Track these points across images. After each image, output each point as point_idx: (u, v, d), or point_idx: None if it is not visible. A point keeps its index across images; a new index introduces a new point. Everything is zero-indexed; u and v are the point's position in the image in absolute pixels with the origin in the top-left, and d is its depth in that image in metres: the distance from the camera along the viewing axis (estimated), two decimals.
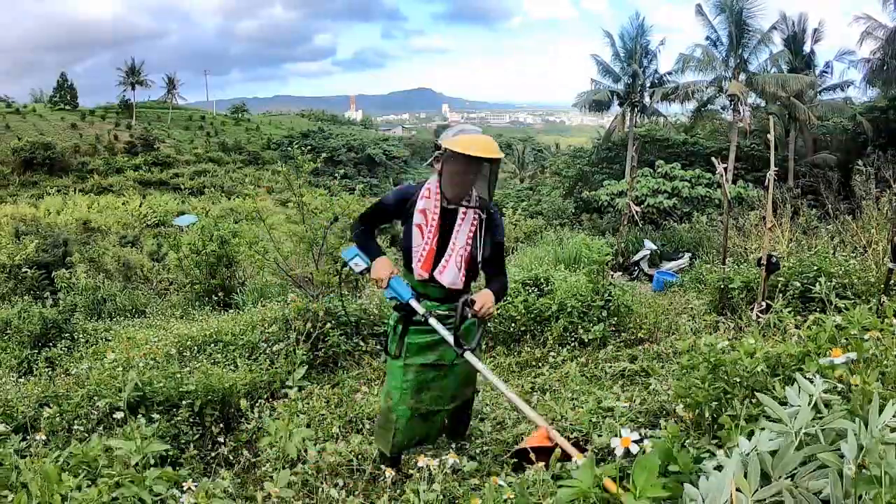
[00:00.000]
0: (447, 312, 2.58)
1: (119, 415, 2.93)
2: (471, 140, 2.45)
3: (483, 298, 2.50)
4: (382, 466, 2.54)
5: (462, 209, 2.60)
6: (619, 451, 1.17)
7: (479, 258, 2.60)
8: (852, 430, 1.07)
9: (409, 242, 2.62)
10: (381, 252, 2.66)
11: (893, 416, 1.09)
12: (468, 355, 2.42)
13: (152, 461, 1.56)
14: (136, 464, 1.59)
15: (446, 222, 2.60)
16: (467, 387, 2.85)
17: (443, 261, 2.58)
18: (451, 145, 2.45)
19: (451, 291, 2.60)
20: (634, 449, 1.15)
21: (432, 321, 2.48)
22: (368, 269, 2.61)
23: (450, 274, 2.58)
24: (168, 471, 1.58)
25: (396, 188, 2.84)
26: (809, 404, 1.19)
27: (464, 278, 2.61)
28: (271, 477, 2.59)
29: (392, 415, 2.67)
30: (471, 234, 2.59)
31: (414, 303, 2.51)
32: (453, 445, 2.93)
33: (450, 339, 2.45)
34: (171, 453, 2.89)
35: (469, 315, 2.49)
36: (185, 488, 1.60)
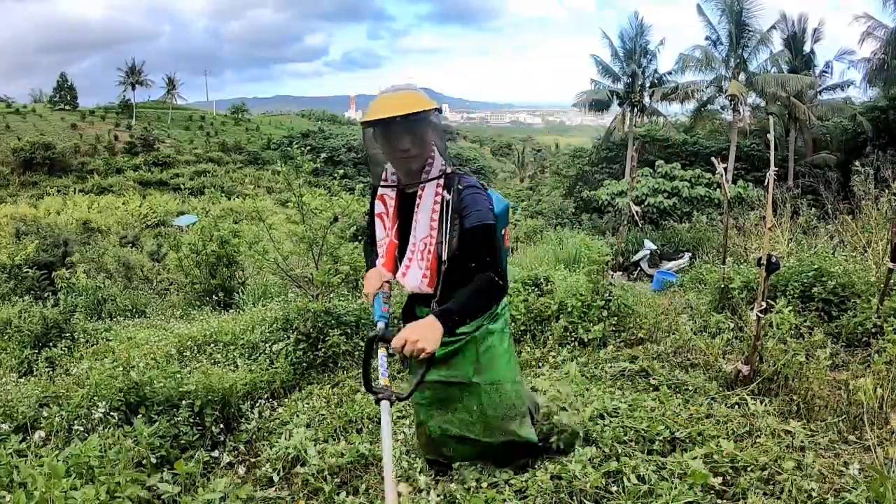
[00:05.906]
0: None
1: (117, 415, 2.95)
2: (374, 102, 1.88)
3: (407, 332, 1.72)
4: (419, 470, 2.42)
5: (419, 190, 1.96)
6: None
7: (444, 254, 1.92)
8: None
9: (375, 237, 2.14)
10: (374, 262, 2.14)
11: None
12: (383, 405, 1.67)
13: (154, 460, 1.57)
14: (140, 462, 1.59)
15: (408, 210, 2.01)
16: (509, 420, 2.18)
17: (405, 259, 2.01)
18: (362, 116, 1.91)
19: (431, 297, 2.00)
20: None
21: (381, 353, 1.85)
22: None
23: (412, 276, 1.98)
24: (181, 464, 1.58)
25: None
26: None
27: (431, 281, 1.96)
28: (271, 477, 2.61)
29: (421, 427, 2.30)
30: (434, 221, 1.94)
31: (381, 324, 1.95)
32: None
33: (384, 373, 1.79)
34: (171, 453, 2.90)
35: (382, 352, 1.85)
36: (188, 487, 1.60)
